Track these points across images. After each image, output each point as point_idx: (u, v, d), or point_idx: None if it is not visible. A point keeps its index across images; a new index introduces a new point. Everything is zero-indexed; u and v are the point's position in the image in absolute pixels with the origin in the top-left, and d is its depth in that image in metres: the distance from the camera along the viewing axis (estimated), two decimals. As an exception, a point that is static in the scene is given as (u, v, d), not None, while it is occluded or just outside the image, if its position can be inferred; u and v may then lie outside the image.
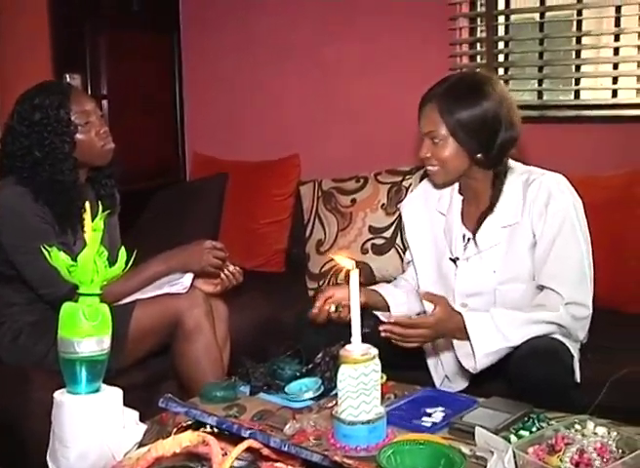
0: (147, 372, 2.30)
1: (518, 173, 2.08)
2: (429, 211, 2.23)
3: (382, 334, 1.87)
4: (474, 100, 2.01)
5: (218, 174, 3.51)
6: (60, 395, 1.45)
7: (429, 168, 2.09)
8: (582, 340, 2.05)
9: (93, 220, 1.47)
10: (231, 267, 2.35)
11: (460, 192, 2.18)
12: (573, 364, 1.95)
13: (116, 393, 1.48)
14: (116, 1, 3.54)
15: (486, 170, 2.08)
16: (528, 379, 1.81)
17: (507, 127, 2.03)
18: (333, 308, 2.04)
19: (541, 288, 2.02)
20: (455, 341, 1.98)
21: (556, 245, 1.99)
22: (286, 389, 1.88)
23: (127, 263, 1.50)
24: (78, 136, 2.20)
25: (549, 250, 1.99)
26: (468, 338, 1.91)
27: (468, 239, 2.12)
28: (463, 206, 2.17)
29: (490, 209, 2.06)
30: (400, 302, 2.25)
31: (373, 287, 2.30)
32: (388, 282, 2.79)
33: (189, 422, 1.56)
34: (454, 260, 2.13)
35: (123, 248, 1.51)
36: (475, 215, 2.12)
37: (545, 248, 2.00)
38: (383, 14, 3.33)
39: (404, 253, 2.91)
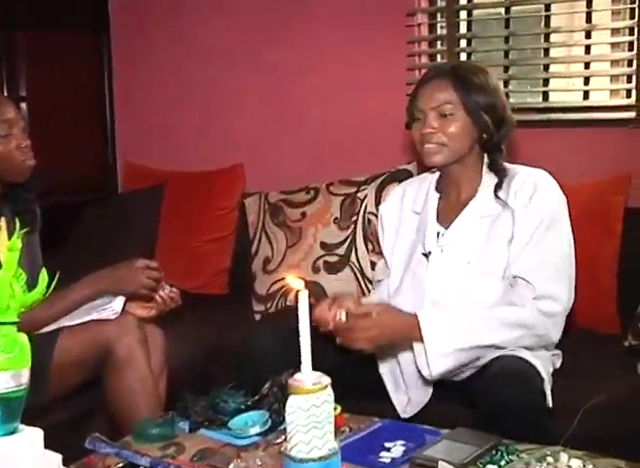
0: (73, 409, 2.27)
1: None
2: (404, 213, 2.30)
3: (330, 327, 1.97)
4: (486, 87, 2.12)
5: (153, 185, 3.49)
6: (-29, 437, 1.42)
7: (430, 146, 2.13)
8: (555, 357, 2.09)
9: (9, 239, 1.44)
10: (167, 289, 2.34)
11: (437, 189, 2.25)
12: (543, 387, 1.96)
13: (36, 434, 1.45)
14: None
15: (484, 153, 2.17)
16: (493, 402, 1.83)
17: (507, 119, 2.16)
18: (344, 316, 1.98)
19: (514, 279, 2.05)
20: (415, 347, 2.01)
21: (535, 236, 2.04)
22: (229, 424, 1.87)
23: (49, 287, 1.48)
24: None
25: (527, 241, 2.05)
26: (422, 337, 1.96)
27: (442, 235, 2.17)
28: (440, 203, 2.23)
29: (499, 185, 2.12)
30: None
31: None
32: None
33: (120, 465, 1.54)
34: (426, 255, 2.17)
35: (44, 269, 1.49)
36: (452, 210, 2.18)
37: (523, 238, 2.05)
38: (334, 12, 3.35)
39: (360, 272, 2.94)
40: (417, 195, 2.29)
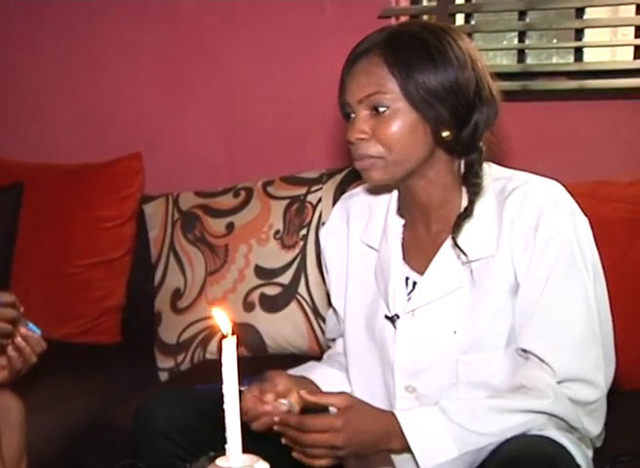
0: None
1: (490, 179, 2.11)
2: (352, 242, 2.27)
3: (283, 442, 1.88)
4: (436, 64, 2.02)
5: (5, 185, 3.48)
6: None
7: (361, 161, 2.06)
8: (596, 437, 2.07)
9: None
10: (32, 336, 2.30)
11: (400, 213, 2.22)
12: (580, 479, 1.97)
13: None
14: None
15: (454, 158, 2.10)
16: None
17: (485, 100, 2.07)
18: (289, 405, 1.98)
19: (525, 354, 2.04)
20: (395, 459, 1.99)
21: (547, 291, 2.01)
22: None
23: None
24: None
25: (538, 298, 2.02)
26: (408, 447, 1.91)
27: (414, 283, 2.14)
28: (405, 234, 2.20)
29: (461, 220, 2.06)
30: (340, 388, 2.23)
31: (298, 371, 2.27)
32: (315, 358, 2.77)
33: None
34: (391, 319, 2.14)
35: None
36: (424, 245, 2.15)
37: (532, 295, 2.02)
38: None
39: (312, 309, 2.98)
40: (369, 220, 2.25)
